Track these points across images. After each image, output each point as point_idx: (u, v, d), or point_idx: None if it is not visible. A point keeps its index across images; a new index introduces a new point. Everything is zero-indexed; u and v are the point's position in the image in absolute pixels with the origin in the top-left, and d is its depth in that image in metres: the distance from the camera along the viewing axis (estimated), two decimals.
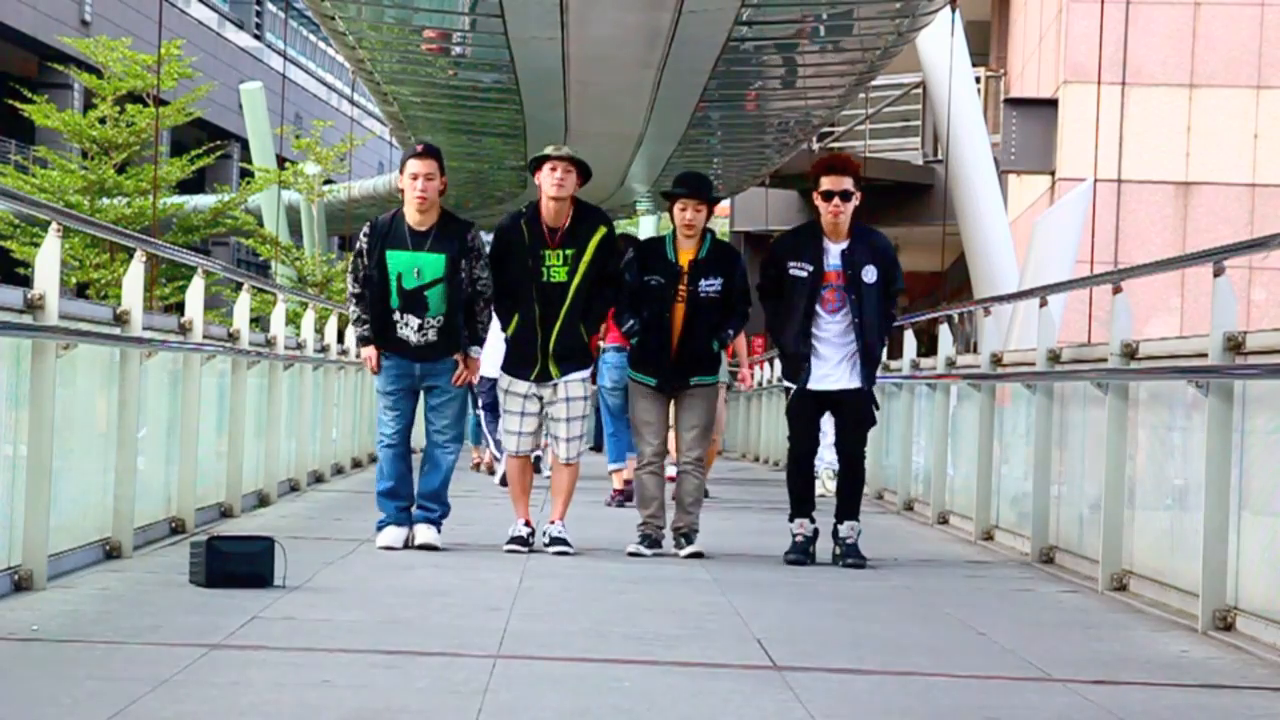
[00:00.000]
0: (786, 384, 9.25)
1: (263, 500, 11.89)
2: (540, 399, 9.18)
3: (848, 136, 32.06)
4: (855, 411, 9.15)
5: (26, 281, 11.23)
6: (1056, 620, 7.41)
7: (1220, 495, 7.00)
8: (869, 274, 9.05)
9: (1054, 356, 9.75)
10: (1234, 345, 7.04)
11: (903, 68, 26.77)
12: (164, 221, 29.22)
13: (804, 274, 9.01)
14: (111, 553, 8.27)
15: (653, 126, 23.38)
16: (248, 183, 35.73)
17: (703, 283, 9.20)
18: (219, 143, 36.86)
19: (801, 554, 9.10)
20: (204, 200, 33.33)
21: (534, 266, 9.05)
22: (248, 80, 41.76)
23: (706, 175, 9.66)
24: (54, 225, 7.36)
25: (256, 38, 60.57)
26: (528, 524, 9.26)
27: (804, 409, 9.18)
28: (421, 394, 9.24)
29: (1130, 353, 8.42)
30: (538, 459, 19.62)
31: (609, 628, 6.56)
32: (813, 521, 9.19)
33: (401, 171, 9.23)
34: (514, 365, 9.20)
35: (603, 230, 9.18)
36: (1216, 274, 7.20)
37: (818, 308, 9.04)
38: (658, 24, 17.72)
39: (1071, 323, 20.27)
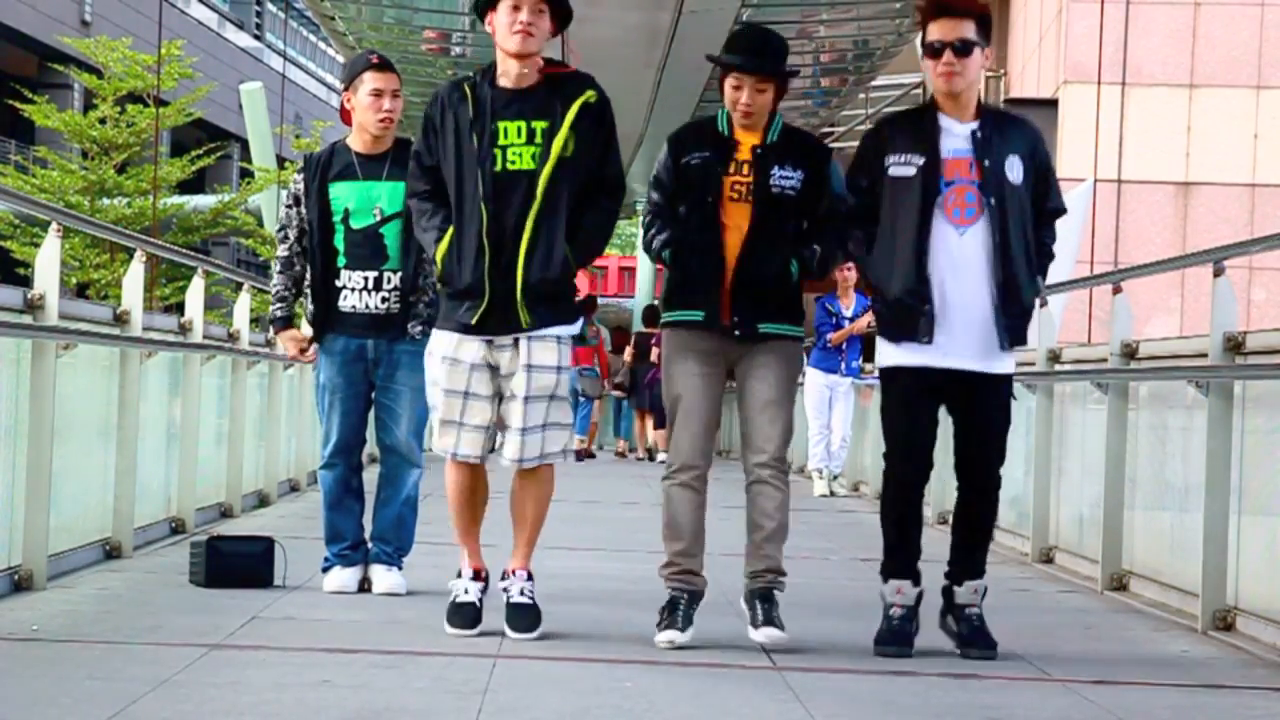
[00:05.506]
0: (880, 362, 6.05)
1: (263, 500, 11.88)
2: (493, 368, 5.98)
3: (848, 136, 32.05)
4: (990, 404, 6.00)
5: (26, 281, 11.24)
6: (1056, 620, 7.41)
7: (1220, 495, 7.00)
8: (1014, 169, 5.91)
9: (1054, 356, 9.75)
10: (1234, 345, 7.05)
11: (903, 68, 26.75)
12: (164, 222, 29.19)
13: (912, 170, 5.87)
14: (111, 553, 8.27)
15: (653, 126, 23.40)
16: (248, 183, 35.66)
17: (776, 172, 6.03)
18: (219, 143, 36.83)
19: (900, 640, 6.07)
20: (204, 200, 33.27)
21: (482, 147, 5.89)
22: (248, 80, 41.71)
23: (776, 33, 6.35)
24: (54, 225, 7.37)
25: (256, 38, 60.52)
26: (479, 575, 6.24)
27: (912, 395, 5.93)
28: (375, 389, 7.14)
29: (1130, 353, 8.42)
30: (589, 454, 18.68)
31: (609, 628, 6.55)
32: (917, 583, 6.16)
33: (349, 87, 7.02)
34: (450, 309, 6.00)
35: (590, 94, 5.95)
36: (1216, 274, 7.20)
37: (939, 218, 5.87)
38: (658, 24, 17.75)
39: (1071, 323, 20.26)
